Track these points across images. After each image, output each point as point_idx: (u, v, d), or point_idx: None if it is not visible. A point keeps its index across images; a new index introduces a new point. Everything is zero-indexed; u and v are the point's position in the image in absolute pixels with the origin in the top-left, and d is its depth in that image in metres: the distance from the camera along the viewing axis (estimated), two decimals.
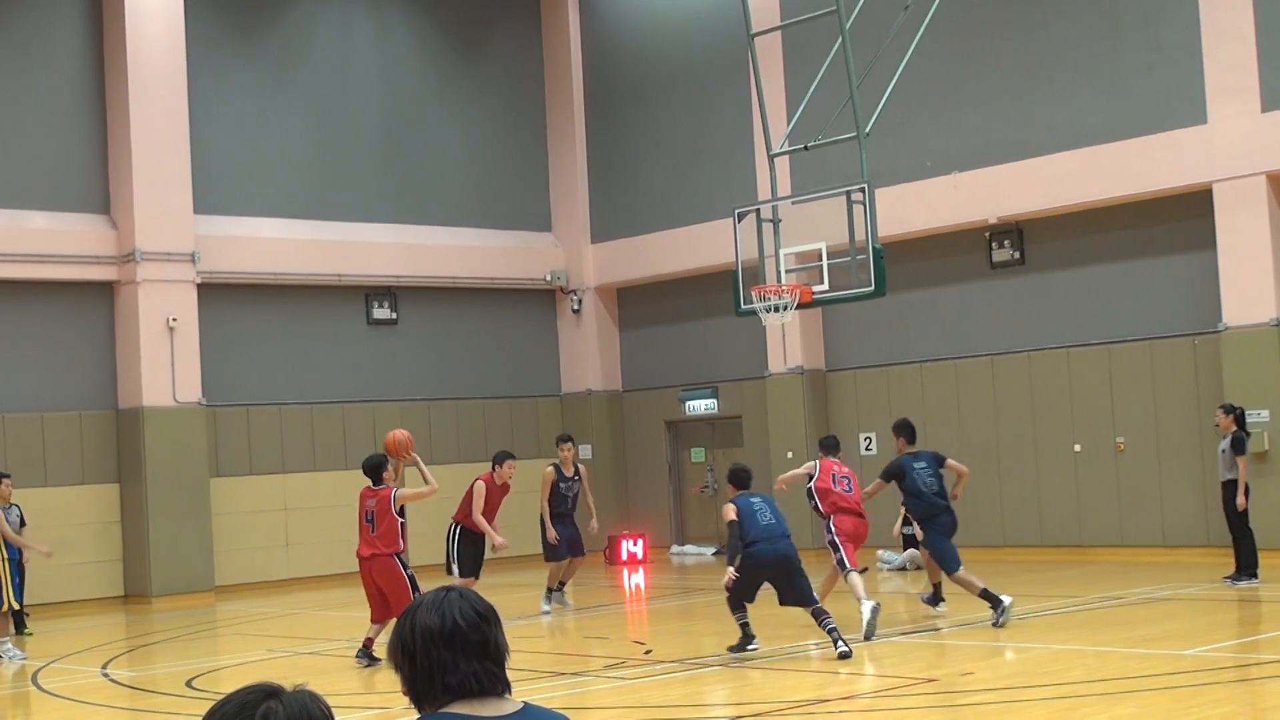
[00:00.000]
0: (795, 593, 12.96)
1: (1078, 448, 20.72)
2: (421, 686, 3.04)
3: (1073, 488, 20.78)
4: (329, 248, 23.99)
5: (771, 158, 17.80)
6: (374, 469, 13.89)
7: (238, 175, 23.44)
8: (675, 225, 25.07)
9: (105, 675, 14.56)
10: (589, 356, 26.54)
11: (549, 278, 26.38)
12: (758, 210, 17.31)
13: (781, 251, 16.83)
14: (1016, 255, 21.32)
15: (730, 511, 13.02)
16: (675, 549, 25.60)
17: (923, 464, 15.01)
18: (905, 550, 20.09)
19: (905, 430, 15.39)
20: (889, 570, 20.72)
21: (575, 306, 26.48)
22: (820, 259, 16.62)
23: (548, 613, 17.44)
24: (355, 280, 24.36)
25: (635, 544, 24.44)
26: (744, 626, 13.01)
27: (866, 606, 13.73)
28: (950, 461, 15.31)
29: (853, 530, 14.74)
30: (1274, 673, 11.40)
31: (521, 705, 3.08)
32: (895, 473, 15.07)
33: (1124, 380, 20.29)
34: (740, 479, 13.43)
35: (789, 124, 19.22)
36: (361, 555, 13.75)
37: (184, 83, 22.30)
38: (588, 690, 12.10)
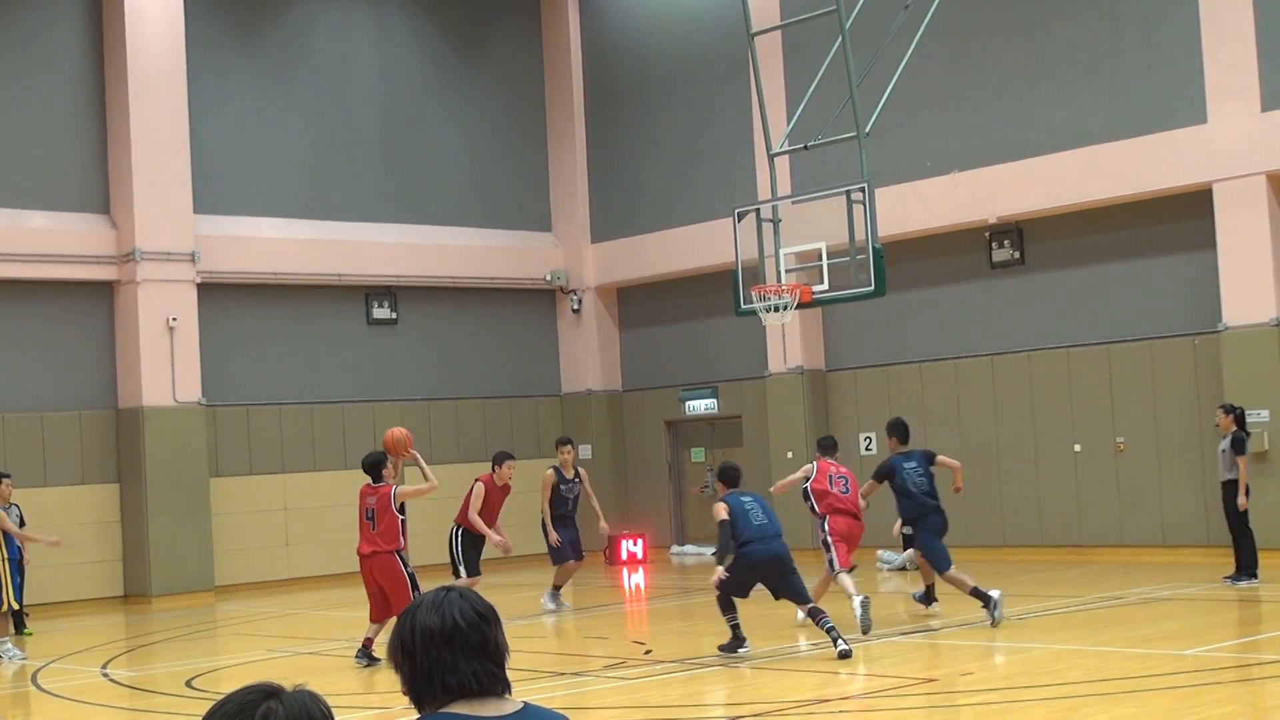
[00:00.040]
0: (790, 591, 12.96)
1: (1078, 448, 20.72)
2: (421, 686, 3.04)
3: (1073, 488, 20.78)
4: (329, 248, 23.98)
5: (771, 157, 17.81)
6: (373, 466, 13.89)
7: (238, 175, 23.44)
8: (675, 225, 25.07)
9: (105, 675, 14.56)
10: (589, 356, 26.54)
11: (549, 278, 26.38)
12: (758, 210, 17.31)
13: (781, 251, 16.83)
14: (1016, 255, 21.31)
15: (721, 511, 13.00)
16: (675, 549, 25.60)
17: (913, 464, 15.01)
18: (905, 550, 20.06)
19: (898, 430, 15.40)
20: (889, 570, 20.72)
21: (575, 306, 26.48)
22: (820, 259, 16.62)
23: (553, 611, 17.45)
24: (355, 280, 24.36)
25: (635, 544, 24.44)
26: (735, 628, 12.99)
27: (856, 601, 13.79)
28: (940, 458, 15.31)
29: (846, 531, 14.75)
30: (1274, 673, 11.40)
31: (521, 705, 3.08)
32: (886, 472, 15.09)
33: (1124, 380, 20.29)
34: (731, 477, 13.42)
35: (789, 124, 19.22)
36: (362, 553, 13.75)
37: (184, 83, 22.30)
38: (588, 690, 12.10)
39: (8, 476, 17.40)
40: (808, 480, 15.01)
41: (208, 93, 23.04)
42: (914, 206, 21.63)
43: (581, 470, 18.29)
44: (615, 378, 26.78)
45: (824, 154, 18.29)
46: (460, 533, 16.39)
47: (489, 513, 16.52)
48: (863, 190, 15.95)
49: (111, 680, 14.32)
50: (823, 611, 12.86)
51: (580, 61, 26.58)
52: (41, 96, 21.94)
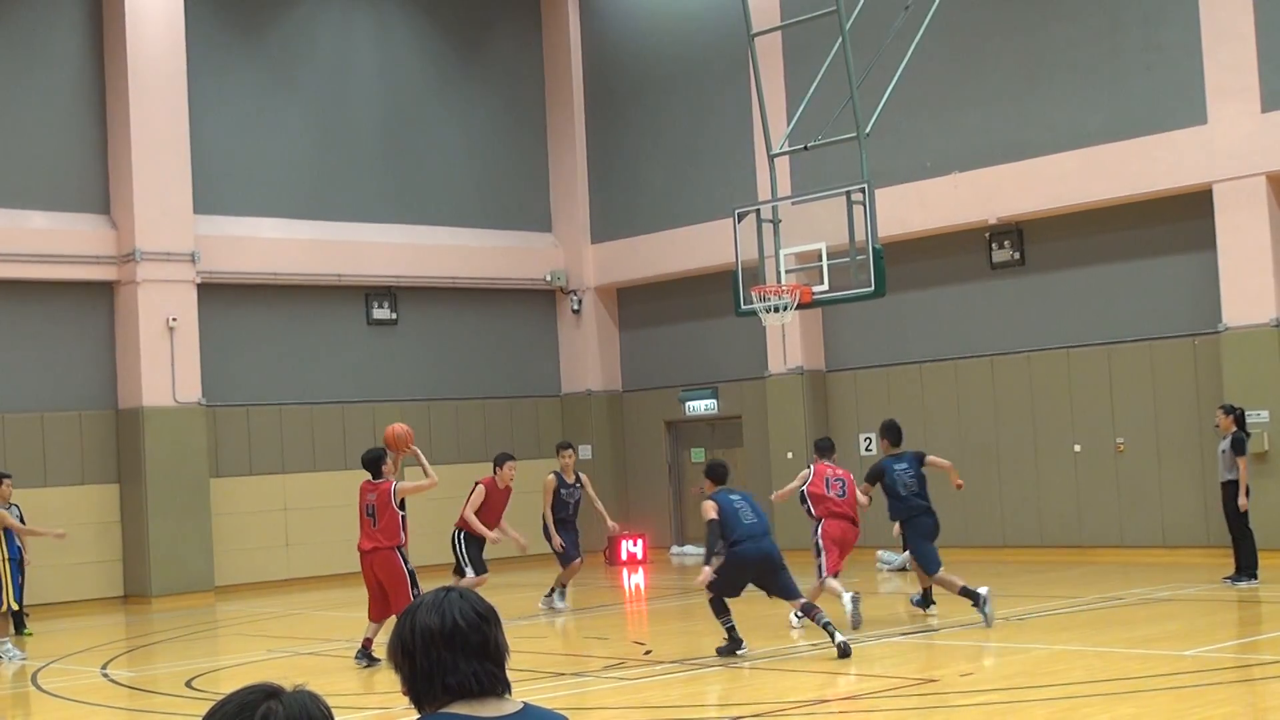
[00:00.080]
0: (781, 589, 12.98)
1: (1078, 448, 20.71)
2: (421, 687, 3.04)
3: (1073, 488, 20.77)
4: (329, 248, 23.98)
5: (771, 158, 17.81)
6: (373, 462, 13.89)
7: (238, 175, 23.44)
8: (675, 225, 25.07)
9: (105, 675, 14.56)
10: (589, 357, 26.54)
11: (549, 278, 26.37)
12: (758, 210, 17.31)
13: (781, 252, 16.83)
14: (1016, 256, 21.31)
15: (710, 510, 12.98)
16: (675, 549, 25.60)
17: (903, 465, 15.02)
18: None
19: (889, 432, 15.42)
20: (889, 570, 20.72)
21: (575, 307, 26.48)
22: (820, 259, 16.62)
23: (561, 610, 17.53)
24: (355, 280, 24.35)
25: (635, 544, 24.43)
26: (730, 630, 12.96)
27: (847, 598, 13.80)
28: (930, 458, 15.27)
29: (840, 536, 14.74)
30: (1274, 673, 11.40)
31: (521, 705, 3.08)
32: (876, 474, 15.11)
33: (1124, 380, 20.29)
34: (719, 474, 13.41)
35: (789, 124, 19.22)
36: (363, 549, 13.75)
37: (184, 83, 22.30)
38: (588, 690, 12.10)
39: (8, 477, 17.39)
40: (804, 484, 15.03)
41: (208, 93, 23.04)
42: (914, 207, 21.63)
43: (583, 475, 18.36)
44: (615, 378, 26.78)
45: (824, 154, 18.28)
46: (463, 534, 16.43)
47: (491, 514, 16.53)
48: (863, 191, 15.95)
49: (111, 680, 14.32)
50: (816, 607, 12.90)
51: (580, 61, 26.58)
52: (41, 96, 21.94)
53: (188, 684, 13.40)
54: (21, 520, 18.12)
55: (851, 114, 16.43)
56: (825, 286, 16.56)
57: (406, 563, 13.62)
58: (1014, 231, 21.26)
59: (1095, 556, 20.21)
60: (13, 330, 21.50)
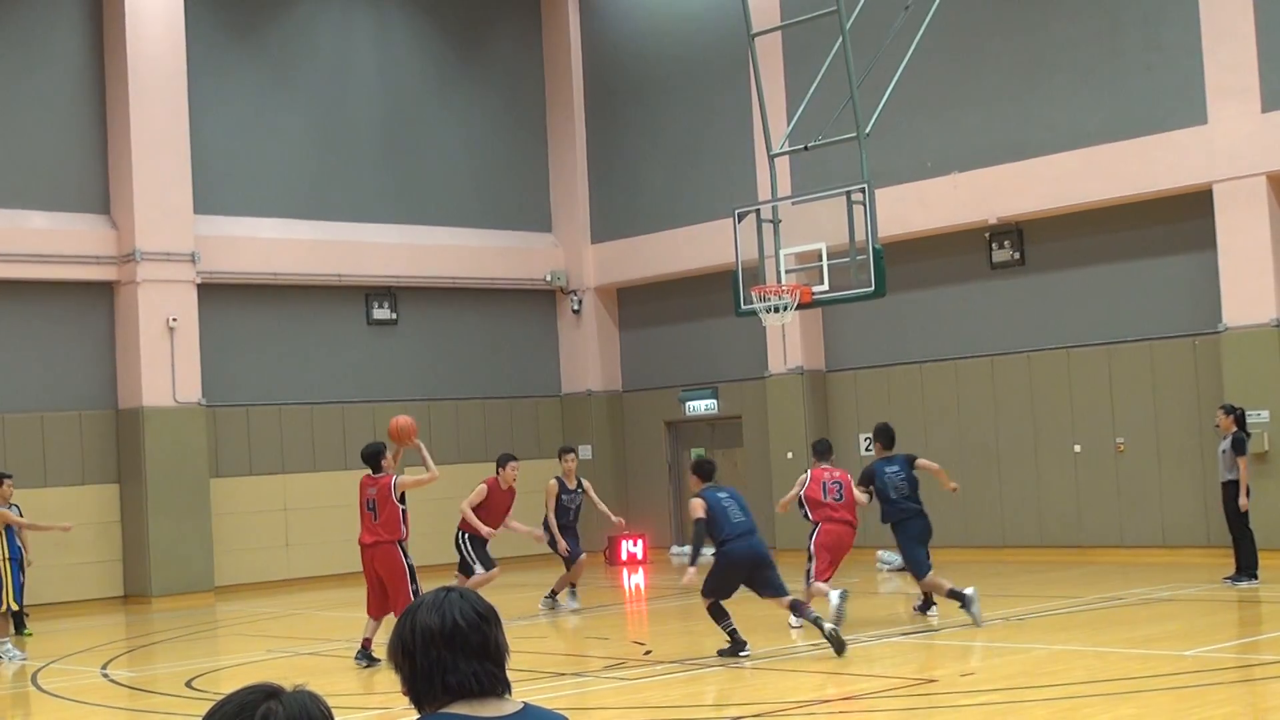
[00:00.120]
0: (771, 587, 12.99)
1: (1078, 448, 20.71)
2: (421, 686, 3.04)
3: (1073, 488, 20.77)
4: (329, 248, 23.98)
5: (771, 158, 17.80)
6: (373, 456, 13.90)
7: (238, 175, 23.44)
8: (675, 225, 25.06)
9: (105, 676, 14.56)
10: (589, 357, 26.54)
11: (549, 278, 26.37)
12: (758, 210, 17.31)
13: (781, 252, 16.82)
14: (1016, 256, 21.31)
15: (698, 509, 12.98)
16: (675, 549, 25.59)
17: (894, 468, 15.02)
18: None
19: (881, 436, 15.44)
20: (889, 570, 20.71)
21: (575, 307, 26.48)
22: (820, 259, 16.61)
23: (576, 609, 17.59)
24: (355, 280, 24.35)
25: (635, 544, 24.43)
26: (732, 634, 12.95)
27: (834, 595, 13.81)
28: (920, 461, 15.24)
29: (836, 541, 14.75)
30: (1274, 673, 11.40)
31: (521, 705, 3.08)
32: (867, 478, 15.11)
33: (1124, 380, 20.28)
34: (706, 471, 13.40)
35: (789, 124, 19.22)
36: (364, 543, 13.77)
37: (184, 83, 22.30)
38: (588, 690, 12.10)
39: (9, 477, 17.39)
40: (802, 489, 15.04)
41: (208, 93, 23.04)
42: (914, 207, 21.63)
43: (585, 481, 18.42)
44: (615, 378, 26.77)
45: (824, 154, 18.28)
46: (466, 535, 16.46)
47: (494, 515, 16.56)
48: (863, 191, 15.95)
49: (111, 681, 14.31)
50: (803, 603, 12.94)
51: (580, 61, 26.58)
52: (41, 96, 21.94)
53: (188, 684, 13.40)
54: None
55: (851, 114, 16.43)
56: (825, 286, 16.55)
57: (407, 557, 13.64)
58: (1014, 231, 21.25)
59: (1095, 556, 20.21)
60: (13, 330, 21.50)
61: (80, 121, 22.18)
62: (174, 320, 21.93)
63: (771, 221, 16.99)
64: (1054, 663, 11.99)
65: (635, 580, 22.51)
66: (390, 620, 13.84)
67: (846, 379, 23.34)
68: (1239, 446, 16.60)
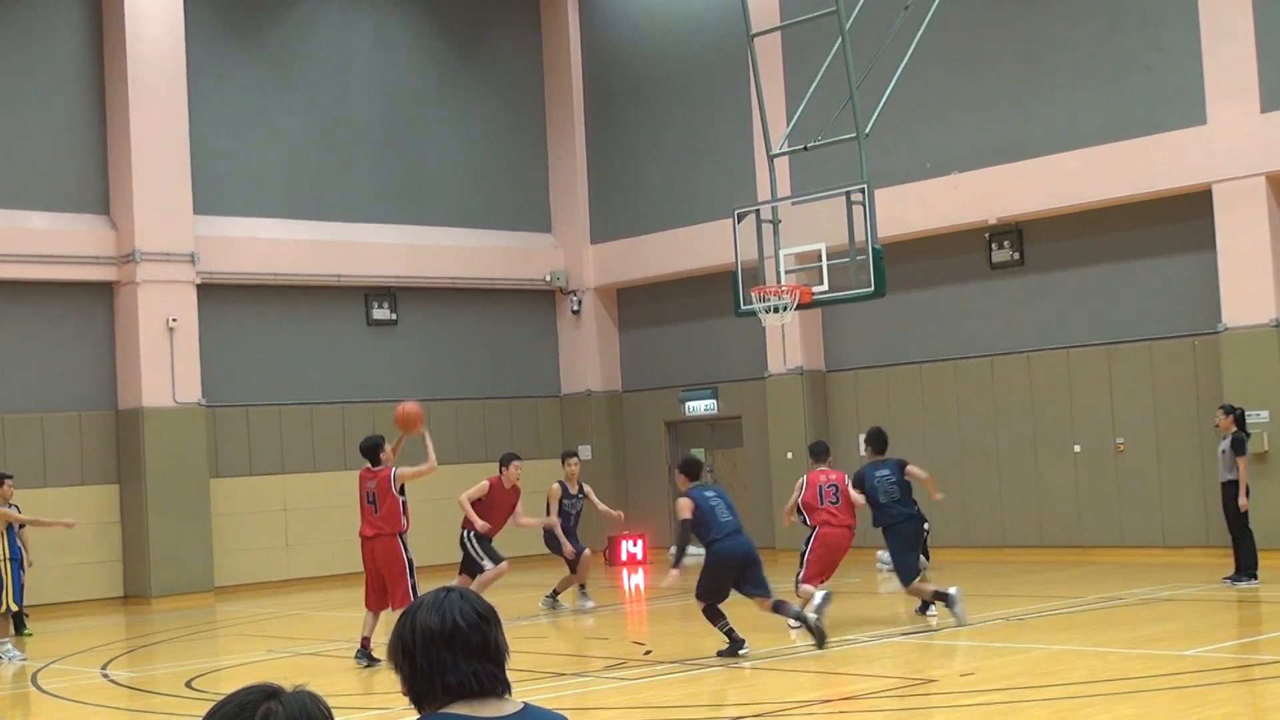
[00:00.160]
0: (758, 585, 13.03)
1: (1078, 448, 20.71)
2: (421, 687, 3.04)
3: (1073, 488, 20.77)
4: (329, 248, 23.98)
5: (771, 158, 17.81)
6: (371, 449, 13.93)
7: (237, 175, 23.44)
8: (675, 225, 25.06)
9: (105, 676, 14.56)
10: (589, 357, 26.53)
11: (549, 278, 26.37)
12: (758, 211, 17.31)
13: (781, 252, 16.83)
14: (1016, 256, 21.31)
15: (685, 509, 12.99)
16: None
17: (885, 472, 15.01)
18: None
19: (873, 440, 15.45)
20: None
21: (575, 307, 26.47)
22: (820, 259, 16.62)
23: (592, 608, 17.75)
24: (355, 280, 24.35)
25: (635, 544, 24.43)
26: (729, 634, 12.96)
27: (819, 594, 13.91)
28: (910, 468, 15.21)
29: (833, 545, 14.77)
30: (1274, 673, 11.40)
31: (521, 706, 3.08)
32: (858, 481, 15.11)
33: (1124, 380, 20.29)
34: (693, 469, 13.42)
35: (789, 124, 19.22)
36: (364, 535, 13.82)
37: (184, 83, 22.30)
38: (588, 691, 12.10)
39: (10, 478, 17.38)
40: (800, 495, 15.05)
41: (208, 93, 23.04)
42: (914, 207, 21.63)
43: (587, 486, 18.47)
44: (615, 378, 26.77)
45: (824, 155, 18.28)
46: (471, 533, 16.46)
47: (498, 513, 16.60)
48: (862, 191, 15.95)
49: (111, 681, 14.31)
50: (785, 601, 12.99)
51: (580, 61, 26.58)
52: (41, 96, 21.94)
53: (188, 684, 13.40)
54: (21, 524, 18.11)
55: (851, 114, 16.43)
56: (825, 287, 16.56)
57: (407, 551, 13.68)
58: (1014, 231, 21.25)
59: (1095, 556, 20.21)
60: (13, 330, 21.50)
61: (80, 121, 22.19)
62: (174, 320, 21.93)
63: (771, 221, 17.00)
64: (1054, 663, 11.99)
65: (635, 580, 22.51)
66: (389, 617, 13.86)
67: (846, 379, 23.34)
68: (1239, 446, 16.60)
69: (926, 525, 19.10)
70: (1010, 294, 21.46)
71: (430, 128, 25.51)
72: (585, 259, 26.47)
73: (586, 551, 17.97)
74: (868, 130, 16.45)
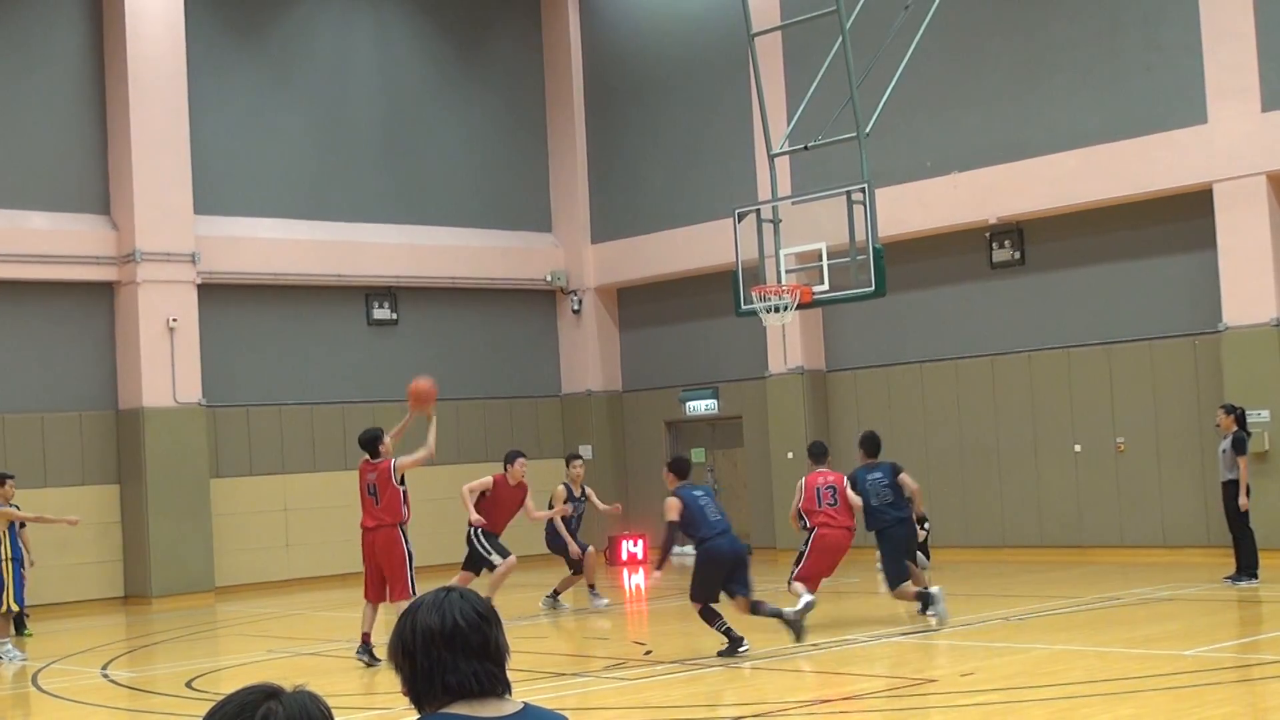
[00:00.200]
0: (744, 585, 13.08)
1: (1078, 448, 20.71)
2: (422, 687, 3.04)
3: (1073, 488, 20.77)
4: (329, 248, 23.98)
5: (771, 158, 17.81)
6: (370, 442, 13.99)
7: (237, 175, 23.44)
8: (675, 225, 25.06)
9: (105, 676, 14.56)
10: (589, 357, 26.53)
11: (549, 278, 26.37)
12: (758, 210, 17.32)
13: (782, 252, 16.83)
14: (1016, 255, 21.31)
15: (673, 510, 12.99)
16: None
17: (877, 475, 15.02)
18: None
19: (866, 444, 15.48)
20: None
21: (575, 307, 26.47)
22: (820, 259, 16.62)
23: (606, 604, 17.80)
24: (355, 280, 24.35)
25: (635, 544, 24.43)
26: (727, 633, 12.97)
27: (806, 595, 13.98)
28: (903, 476, 15.20)
29: (832, 546, 14.77)
30: (1275, 673, 11.40)
31: (522, 706, 3.08)
32: (851, 483, 15.10)
33: (1124, 380, 20.29)
34: (681, 469, 13.43)
35: (789, 124, 19.22)
36: (366, 526, 13.90)
37: (184, 83, 22.30)
38: (589, 691, 12.10)
39: (11, 478, 17.38)
40: (799, 501, 15.08)
41: (208, 93, 23.04)
42: (914, 207, 21.63)
43: (588, 488, 18.54)
44: (615, 378, 26.77)
45: (824, 154, 18.28)
46: (478, 530, 16.51)
47: (503, 511, 16.67)
48: (863, 191, 15.95)
49: (112, 681, 14.31)
50: (762, 601, 13.07)
51: (580, 61, 26.58)
52: (41, 96, 21.94)
53: (188, 684, 13.40)
54: (21, 524, 18.10)
55: (851, 114, 16.43)
56: (825, 286, 16.56)
57: (407, 542, 13.75)
58: (1014, 231, 21.25)
59: (1095, 556, 20.21)
60: (13, 330, 21.51)
61: (80, 121, 22.19)
62: (174, 320, 21.93)
63: (771, 221, 17.00)
64: (1054, 663, 11.99)
65: (635, 581, 22.51)
66: (388, 614, 13.87)
67: (846, 379, 23.34)
68: (1239, 446, 16.60)
69: (927, 525, 19.17)
70: (1010, 294, 21.46)
71: (430, 128, 25.51)
72: (585, 259, 26.47)
73: (591, 550, 18.05)
74: (868, 130, 16.45)
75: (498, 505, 16.58)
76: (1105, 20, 20.12)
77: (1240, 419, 16.86)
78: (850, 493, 14.95)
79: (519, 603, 18.11)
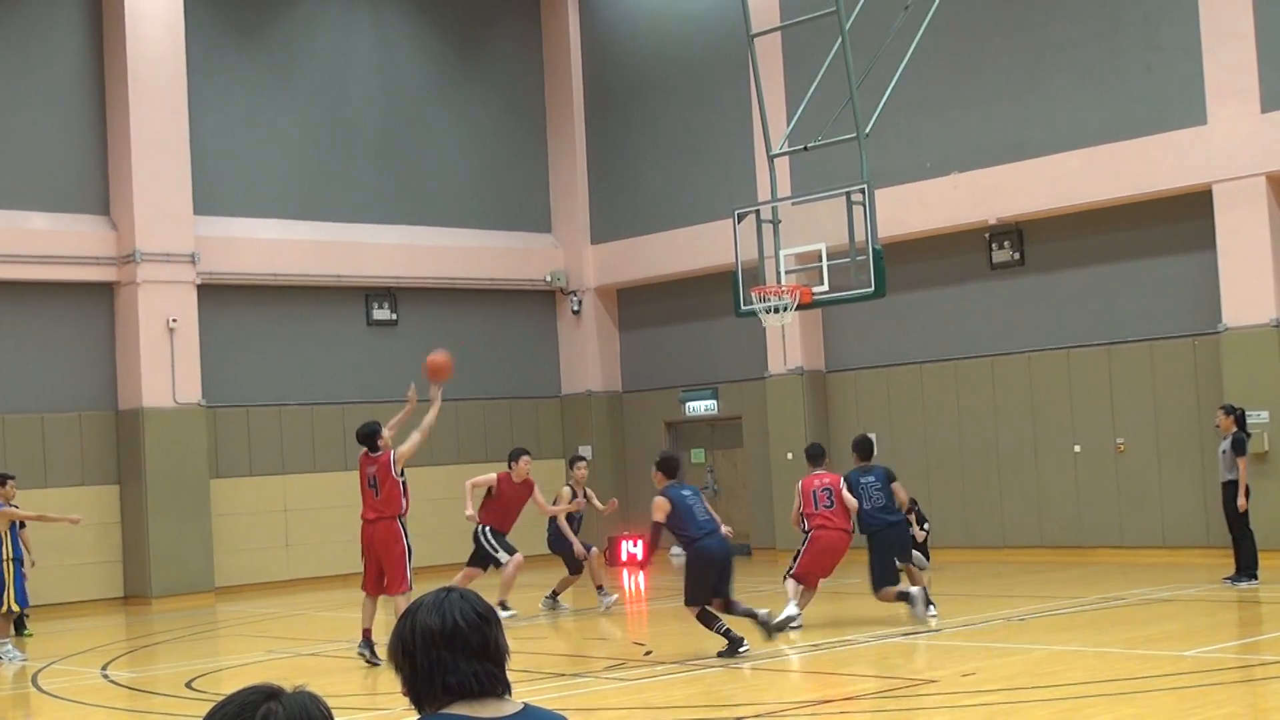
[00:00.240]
0: (727, 584, 13.10)
1: (1078, 448, 20.71)
2: (422, 687, 3.04)
3: (1073, 488, 20.77)
4: (329, 248, 23.98)
5: (771, 158, 17.81)
6: (369, 436, 14.11)
7: (237, 175, 23.43)
8: (675, 226, 25.06)
9: (105, 676, 14.56)
10: (589, 357, 26.53)
11: (549, 279, 26.37)
12: (758, 211, 17.31)
13: (781, 252, 16.83)
14: (1016, 256, 21.31)
15: (660, 511, 12.99)
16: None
17: (870, 478, 15.06)
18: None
19: (859, 447, 15.54)
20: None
21: (575, 307, 26.47)
22: (820, 260, 16.62)
23: (615, 600, 17.89)
24: (355, 281, 24.35)
25: (635, 545, 24.42)
26: (726, 634, 12.96)
27: (792, 605, 14.11)
28: (894, 486, 15.21)
29: (828, 548, 14.77)
30: (1275, 673, 11.40)
31: (522, 706, 3.08)
32: (846, 486, 15.12)
33: (1124, 381, 20.28)
34: (671, 467, 13.43)
35: (789, 124, 19.22)
36: (366, 518, 14.01)
37: (184, 83, 22.30)
38: (589, 691, 12.10)
39: (12, 478, 17.37)
40: (798, 507, 15.09)
41: (208, 93, 23.04)
42: (914, 207, 21.63)
43: (590, 490, 18.56)
44: (615, 379, 26.77)
45: (824, 155, 18.28)
46: (486, 529, 16.58)
47: (509, 508, 16.75)
48: (863, 191, 15.95)
49: (112, 681, 14.31)
50: (735, 600, 13.19)
51: (580, 61, 26.58)
52: (41, 96, 21.94)
53: (188, 685, 13.40)
54: (22, 524, 18.10)
55: (851, 114, 16.43)
56: (825, 287, 16.56)
57: (406, 535, 13.83)
58: (1014, 231, 21.25)
59: (1095, 556, 20.21)
60: (13, 331, 21.50)
61: (80, 121, 22.19)
62: (174, 321, 21.93)
63: (771, 222, 17.00)
64: (1054, 663, 11.99)
65: (636, 581, 22.50)
66: (387, 612, 13.87)
67: (846, 379, 23.34)
68: (1239, 447, 16.60)
69: (928, 526, 19.17)
70: (1010, 294, 21.46)
71: (430, 128, 25.51)
72: (585, 259, 26.47)
73: (594, 549, 18.06)
74: (868, 130, 16.45)
75: (503, 502, 16.64)
76: (1105, 20, 20.12)
77: (1240, 420, 16.86)
78: (847, 495, 14.95)
79: (518, 603, 18.09)
